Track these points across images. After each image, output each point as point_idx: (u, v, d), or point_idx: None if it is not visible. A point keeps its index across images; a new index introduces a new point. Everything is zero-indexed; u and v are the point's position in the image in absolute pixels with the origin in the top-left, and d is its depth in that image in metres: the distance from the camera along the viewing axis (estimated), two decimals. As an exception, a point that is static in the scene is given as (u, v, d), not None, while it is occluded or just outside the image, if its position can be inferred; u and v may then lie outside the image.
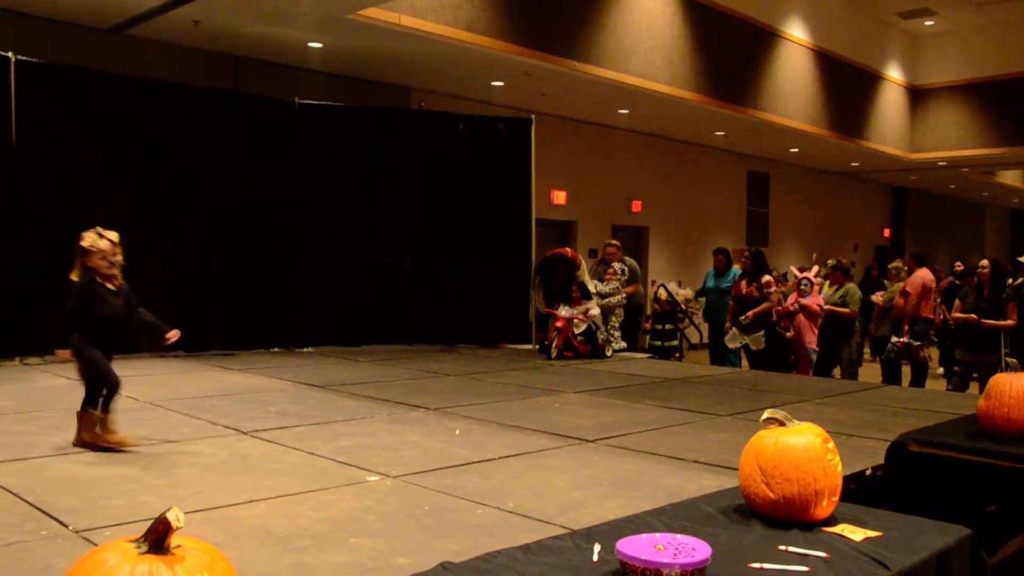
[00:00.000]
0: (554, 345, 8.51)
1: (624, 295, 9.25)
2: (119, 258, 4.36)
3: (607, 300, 9.06)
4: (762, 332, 8.81)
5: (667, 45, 12.31)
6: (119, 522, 3.04)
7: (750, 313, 8.72)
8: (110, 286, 4.31)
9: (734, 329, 8.93)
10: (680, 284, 14.81)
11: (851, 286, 9.31)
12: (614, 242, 10.15)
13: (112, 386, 4.29)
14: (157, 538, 1.55)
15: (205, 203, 8.42)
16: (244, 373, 7.09)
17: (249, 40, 9.65)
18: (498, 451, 4.26)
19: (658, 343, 10.43)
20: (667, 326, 10.47)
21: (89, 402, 4.26)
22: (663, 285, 12.21)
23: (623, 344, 9.25)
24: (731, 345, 9.09)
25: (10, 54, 7.34)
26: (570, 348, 8.54)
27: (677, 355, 10.62)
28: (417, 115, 10.97)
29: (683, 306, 12.04)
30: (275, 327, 8.82)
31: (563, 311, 8.60)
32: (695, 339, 12.64)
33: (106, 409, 4.27)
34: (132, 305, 4.46)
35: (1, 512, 3.15)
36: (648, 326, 10.35)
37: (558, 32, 10.69)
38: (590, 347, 8.64)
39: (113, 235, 4.39)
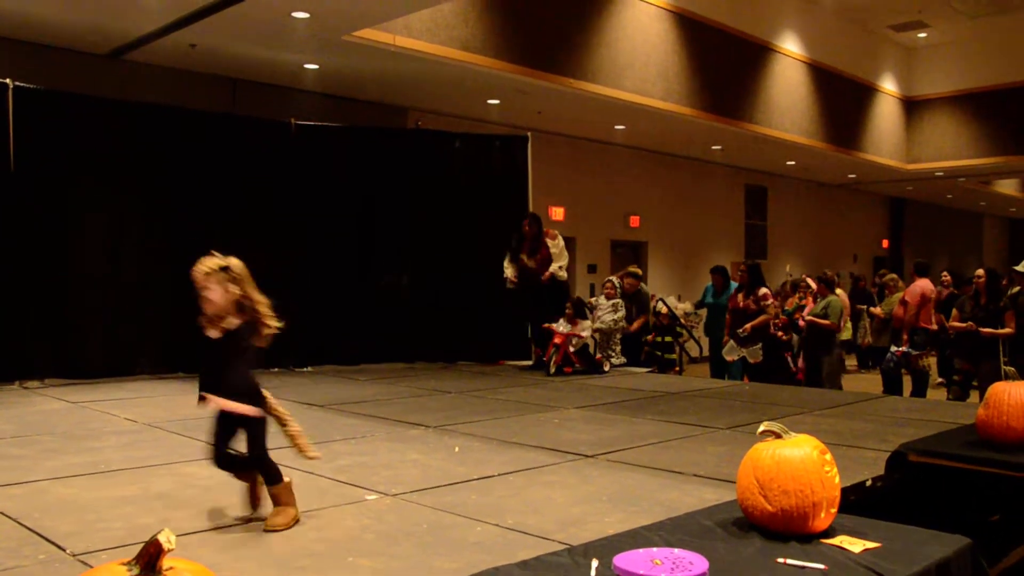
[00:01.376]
0: (552, 361, 8.47)
1: (623, 315, 9.25)
2: (212, 293, 3.32)
3: (617, 325, 9.05)
4: (759, 344, 8.82)
5: (662, 61, 12.38)
6: (117, 545, 3.03)
7: (748, 325, 8.74)
8: (211, 332, 3.33)
9: (731, 342, 8.94)
10: (679, 298, 14.81)
11: (833, 298, 9.30)
12: (638, 272, 10.42)
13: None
14: (148, 560, 1.56)
15: (203, 225, 8.43)
16: (243, 394, 7.07)
17: (246, 63, 9.70)
18: (498, 468, 4.25)
19: (658, 353, 10.47)
20: (666, 339, 10.52)
21: None
22: (662, 299, 12.21)
23: (622, 359, 9.25)
24: (728, 358, 9.10)
25: (8, 81, 7.39)
26: (569, 364, 8.51)
27: (676, 368, 10.63)
28: (414, 134, 11.01)
29: (683, 320, 12.05)
30: (274, 347, 8.73)
31: (561, 327, 8.58)
32: (695, 352, 12.63)
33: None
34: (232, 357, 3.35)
35: (0, 537, 3.15)
36: (649, 339, 10.40)
37: (553, 50, 10.75)
38: (586, 364, 8.61)
39: (209, 263, 3.41)
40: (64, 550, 2.99)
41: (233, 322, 3.38)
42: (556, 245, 9.11)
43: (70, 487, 3.91)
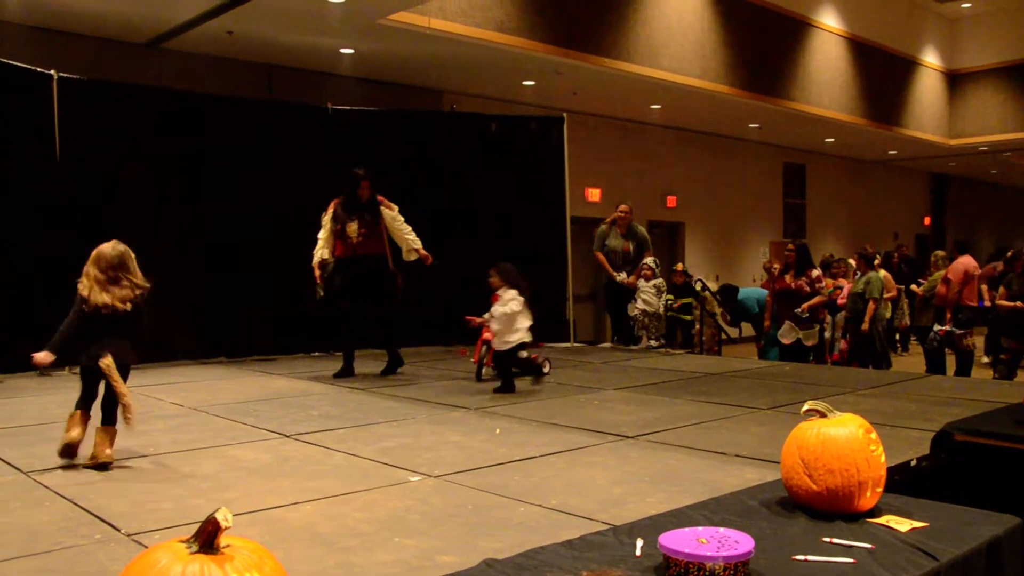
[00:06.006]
0: (483, 362, 6.88)
1: (666, 297, 8.95)
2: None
3: (661, 309, 8.72)
4: (817, 327, 8.47)
5: (698, 38, 12.24)
6: (168, 525, 3.10)
7: (805, 306, 8.37)
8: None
9: (787, 323, 8.51)
10: (717, 279, 14.71)
11: (873, 274, 9.17)
12: (623, 207, 9.50)
13: None
14: (207, 538, 1.59)
15: (243, 210, 8.53)
16: (285, 377, 7.18)
17: (282, 49, 9.77)
18: (539, 449, 4.27)
19: (682, 316, 10.42)
20: (684, 300, 10.44)
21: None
22: (700, 280, 12.15)
23: (661, 341, 9.15)
24: (785, 340, 8.61)
25: (52, 72, 7.52)
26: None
27: (699, 348, 10.54)
28: (449, 117, 11.00)
29: (718, 297, 11.98)
30: (315, 331, 8.90)
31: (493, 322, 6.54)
32: (734, 333, 12.55)
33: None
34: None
35: (57, 517, 3.23)
36: (675, 305, 10.26)
37: (588, 30, 10.68)
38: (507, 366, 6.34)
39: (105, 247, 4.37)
40: (119, 530, 3.07)
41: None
42: (398, 216, 7.32)
43: (121, 470, 4.01)
